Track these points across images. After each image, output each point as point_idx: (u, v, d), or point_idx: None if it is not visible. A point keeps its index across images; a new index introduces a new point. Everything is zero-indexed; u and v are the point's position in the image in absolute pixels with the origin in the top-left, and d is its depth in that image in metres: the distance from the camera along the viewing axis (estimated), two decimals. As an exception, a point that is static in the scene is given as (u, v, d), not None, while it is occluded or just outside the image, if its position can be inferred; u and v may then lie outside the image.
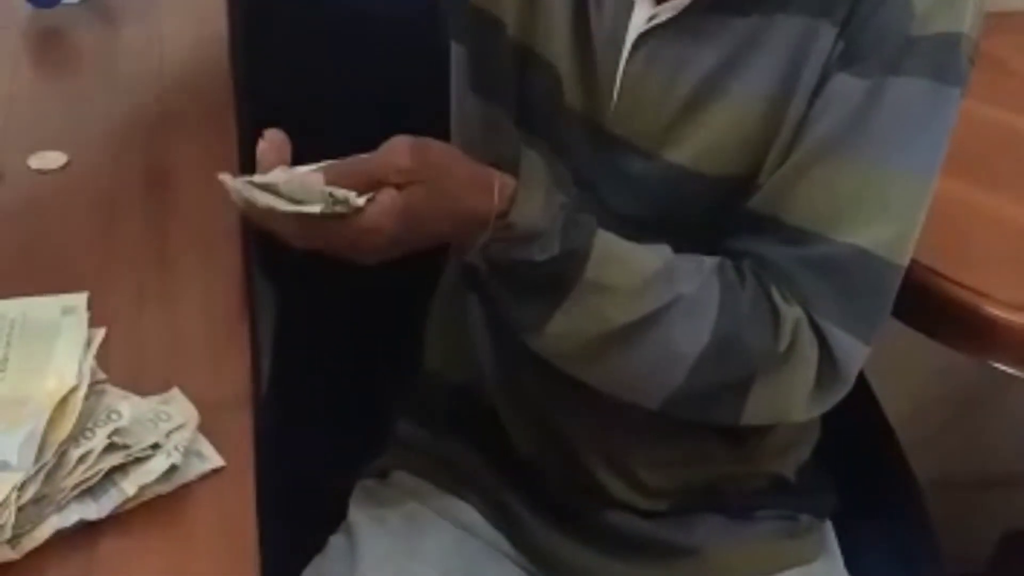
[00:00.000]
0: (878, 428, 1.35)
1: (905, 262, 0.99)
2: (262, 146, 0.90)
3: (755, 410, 0.99)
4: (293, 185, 0.87)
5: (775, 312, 0.97)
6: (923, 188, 0.98)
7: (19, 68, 1.34)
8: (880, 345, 1.30)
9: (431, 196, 0.90)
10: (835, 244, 0.96)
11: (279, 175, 0.88)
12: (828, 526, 1.21)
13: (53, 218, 1.09)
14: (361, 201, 0.86)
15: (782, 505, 1.17)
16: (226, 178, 0.89)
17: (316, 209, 0.85)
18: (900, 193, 0.97)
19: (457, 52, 1.12)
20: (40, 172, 1.14)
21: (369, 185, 0.89)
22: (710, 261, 0.98)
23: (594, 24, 1.02)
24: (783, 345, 0.97)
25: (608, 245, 0.96)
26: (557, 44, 1.03)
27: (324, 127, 1.29)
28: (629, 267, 0.96)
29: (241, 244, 1.07)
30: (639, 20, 0.99)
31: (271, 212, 0.88)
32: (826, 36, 0.96)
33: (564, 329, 0.96)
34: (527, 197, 0.94)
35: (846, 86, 0.96)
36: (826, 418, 1.19)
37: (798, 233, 0.97)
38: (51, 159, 1.16)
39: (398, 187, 0.89)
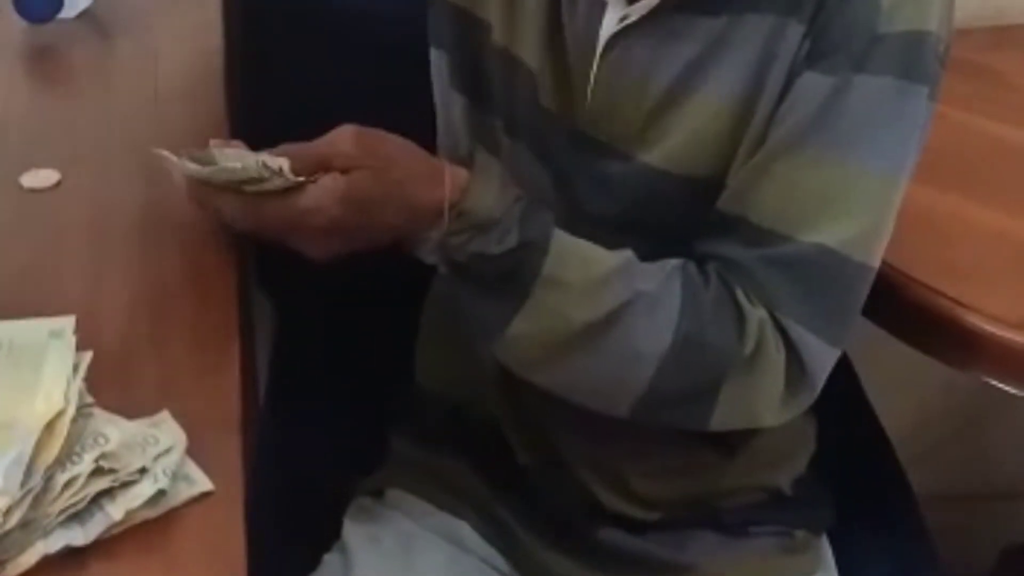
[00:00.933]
0: (876, 441, 1.35)
1: (873, 262, 0.98)
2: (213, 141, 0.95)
3: (725, 414, 0.98)
4: (228, 155, 0.91)
5: (739, 313, 0.96)
6: (890, 187, 0.97)
7: (13, 84, 1.33)
8: (882, 359, 1.30)
9: (377, 183, 0.92)
10: (800, 244, 0.96)
11: (215, 150, 0.92)
12: (824, 541, 1.21)
13: (44, 238, 1.09)
14: (297, 179, 0.89)
15: (777, 520, 1.16)
16: (164, 153, 0.91)
17: (247, 175, 0.88)
18: (866, 191, 0.96)
19: (437, 56, 1.12)
20: (32, 191, 1.14)
21: (313, 169, 0.91)
22: (672, 262, 0.98)
23: (567, 26, 1.02)
24: (749, 347, 0.96)
25: (565, 240, 0.96)
26: (533, 46, 1.04)
27: (319, 122, 1.30)
28: (588, 263, 0.96)
29: (235, 263, 1.06)
30: (610, 21, 0.99)
31: (211, 188, 0.92)
32: (793, 34, 0.95)
33: (525, 331, 0.96)
34: (481, 187, 0.95)
35: (812, 83, 0.95)
36: (822, 431, 1.19)
37: (763, 233, 0.96)
38: (44, 177, 1.15)
39: (343, 172, 0.91)
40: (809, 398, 1.01)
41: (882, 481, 1.31)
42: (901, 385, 1.51)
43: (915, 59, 0.95)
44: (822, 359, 0.98)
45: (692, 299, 0.96)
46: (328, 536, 1.19)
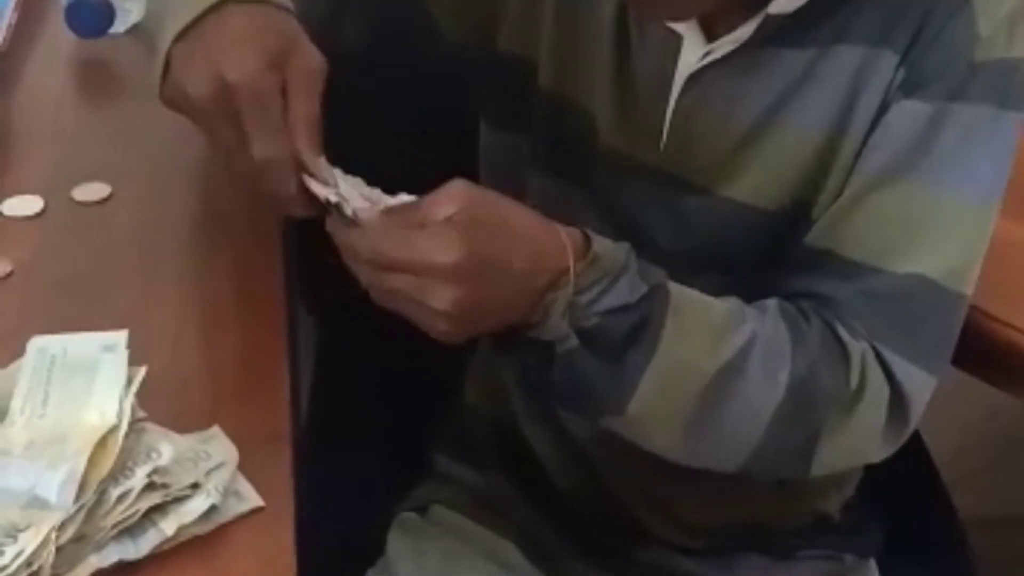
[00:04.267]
0: (922, 467, 1.34)
1: (968, 291, 0.97)
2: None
3: (827, 456, 0.96)
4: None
5: (843, 349, 0.94)
6: (984, 216, 0.96)
7: (65, 97, 1.34)
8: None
9: (495, 233, 0.87)
10: (895, 275, 0.94)
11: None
12: (873, 565, 1.20)
13: (95, 252, 1.09)
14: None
15: (826, 544, 1.16)
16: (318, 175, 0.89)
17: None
18: (962, 220, 0.95)
19: (499, 138, 1.12)
20: (83, 204, 1.15)
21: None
22: (770, 302, 0.96)
23: (637, 63, 1.01)
24: (854, 383, 0.94)
25: (679, 287, 0.93)
26: (595, 86, 1.02)
27: (362, 157, 1.30)
28: (706, 308, 0.94)
29: (283, 280, 1.06)
30: (691, 57, 0.98)
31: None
32: (886, 65, 0.95)
33: (654, 389, 0.91)
34: (597, 237, 0.91)
35: (907, 113, 0.94)
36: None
37: (856, 267, 0.95)
38: (95, 191, 1.16)
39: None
40: (909, 429, 0.99)
41: (928, 506, 1.30)
42: (945, 409, 1.49)
43: (1010, 86, 0.95)
44: (923, 389, 0.97)
45: (801, 339, 0.94)
46: (372, 552, 1.19)
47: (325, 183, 0.90)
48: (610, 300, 0.88)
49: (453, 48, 1.10)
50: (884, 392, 0.95)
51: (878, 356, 0.95)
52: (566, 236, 0.88)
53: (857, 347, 0.94)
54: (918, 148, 0.94)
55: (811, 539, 1.15)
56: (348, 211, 0.88)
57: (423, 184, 0.90)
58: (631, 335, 0.89)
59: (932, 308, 0.95)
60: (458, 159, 1.08)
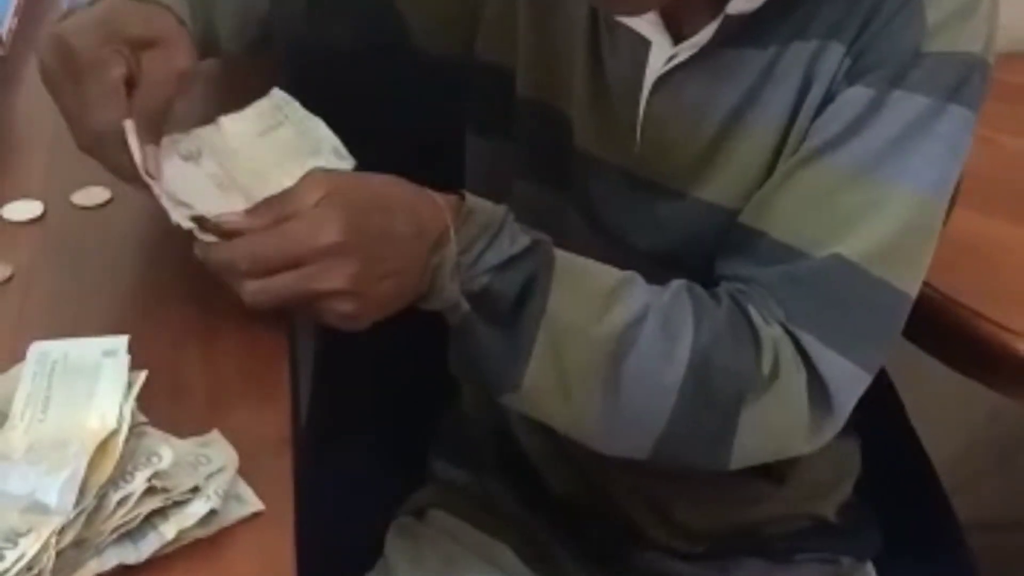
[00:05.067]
0: (921, 469, 1.34)
1: (901, 284, 0.94)
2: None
3: (747, 446, 0.94)
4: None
5: (754, 332, 0.93)
6: (922, 207, 0.94)
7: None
8: (927, 386, 1.30)
9: (368, 199, 0.88)
10: (816, 259, 0.93)
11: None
12: (870, 568, 1.20)
13: (95, 256, 1.09)
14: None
15: (823, 547, 1.16)
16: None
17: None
18: (888, 206, 0.93)
19: (483, 145, 1.13)
20: (83, 208, 1.15)
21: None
22: (678, 281, 0.95)
23: (609, 67, 1.01)
24: (766, 368, 0.92)
25: (565, 252, 0.94)
26: (571, 91, 1.02)
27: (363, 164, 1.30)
28: (594, 272, 0.94)
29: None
30: (657, 61, 0.98)
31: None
32: (834, 55, 0.94)
33: (549, 358, 0.91)
34: (473, 197, 0.93)
35: (848, 98, 0.94)
36: (868, 458, 1.18)
37: (780, 248, 0.94)
38: (95, 195, 1.16)
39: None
40: (836, 422, 0.96)
41: (927, 509, 1.30)
42: (946, 413, 1.50)
43: (959, 80, 0.94)
44: (845, 378, 0.94)
45: (706, 317, 0.93)
46: (370, 556, 1.19)
47: (151, 176, 0.92)
48: (493, 255, 0.90)
49: (431, 58, 1.11)
50: (801, 379, 0.93)
51: (796, 343, 0.93)
52: (441, 199, 0.90)
53: (769, 332, 0.93)
54: (852, 130, 0.93)
55: (808, 542, 1.15)
56: (203, 234, 0.89)
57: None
58: (520, 298, 0.90)
59: (849, 291, 0.93)
60: (444, 166, 1.09)
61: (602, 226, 1.04)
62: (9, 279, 1.06)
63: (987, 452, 1.83)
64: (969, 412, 1.71)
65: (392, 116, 1.32)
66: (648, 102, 0.99)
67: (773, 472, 1.09)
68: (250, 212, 0.89)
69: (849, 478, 1.18)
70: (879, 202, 0.93)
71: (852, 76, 0.94)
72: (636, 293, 0.93)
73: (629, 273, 0.94)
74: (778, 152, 0.97)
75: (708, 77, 0.98)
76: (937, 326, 1.15)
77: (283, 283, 0.86)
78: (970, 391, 1.24)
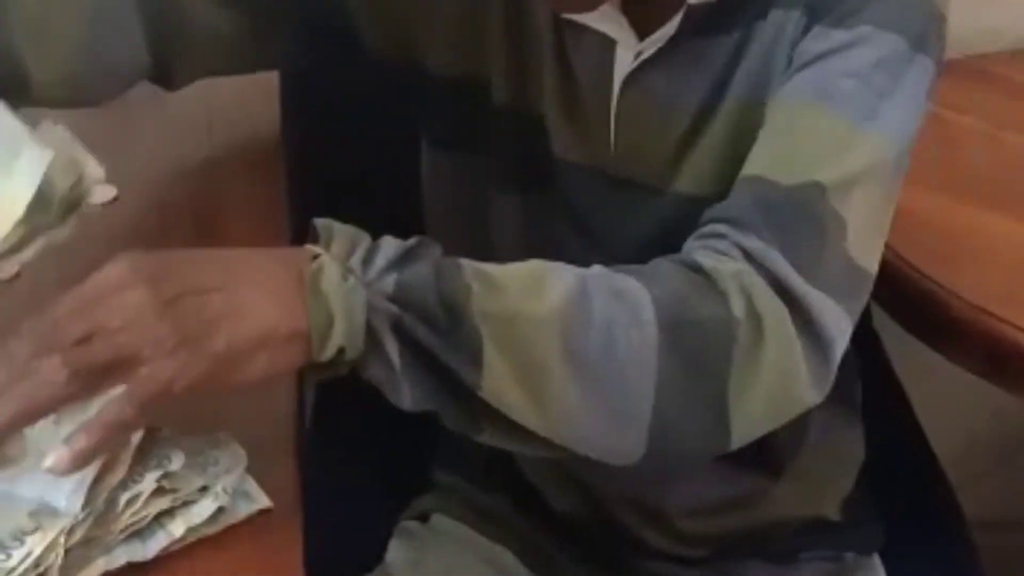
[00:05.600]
0: (926, 464, 1.34)
1: (851, 218, 0.87)
2: None
3: (746, 410, 0.83)
4: None
5: (707, 276, 0.83)
6: (886, 157, 0.89)
7: (68, 112, 1.34)
8: (932, 383, 1.30)
9: (180, 254, 0.77)
10: (792, 186, 0.87)
11: None
12: (876, 561, 1.20)
13: (100, 254, 1.09)
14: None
15: (826, 544, 1.16)
16: None
17: None
18: (862, 151, 0.88)
19: (454, 157, 1.07)
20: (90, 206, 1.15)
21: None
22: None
23: (577, 69, 0.99)
24: (739, 310, 0.82)
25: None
26: (544, 96, 1.01)
27: (369, 167, 1.30)
28: (504, 265, 0.83)
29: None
30: (624, 59, 0.97)
31: None
32: (793, 21, 0.92)
33: (502, 349, 0.78)
34: (320, 220, 0.81)
35: (808, 40, 0.91)
36: (874, 453, 1.18)
37: (753, 182, 0.88)
38: (101, 192, 1.16)
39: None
40: (831, 362, 0.86)
41: (933, 504, 1.30)
42: (951, 411, 1.50)
43: (920, 25, 0.91)
44: (826, 311, 0.84)
45: (650, 276, 0.83)
46: (373, 559, 1.19)
47: None
48: (384, 253, 0.78)
49: (381, 66, 1.05)
50: (784, 315, 0.83)
51: (769, 273, 0.83)
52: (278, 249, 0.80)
53: (725, 269, 0.83)
54: (820, 71, 0.90)
55: (812, 540, 1.15)
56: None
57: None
58: (440, 289, 0.78)
59: (807, 214, 0.86)
60: (401, 176, 1.08)
61: (587, 230, 1.02)
62: (15, 277, 1.05)
63: (989, 451, 1.83)
64: (972, 410, 1.71)
65: (348, 125, 1.30)
66: (619, 101, 0.98)
67: (771, 463, 1.09)
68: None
69: (850, 473, 1.17)
70: (848, 141, 0.89)
71: (808, 25, 0.92)
72: (560, 271, 0.82)
73: (542, 260, 0.83)
74: (750, 128, 0.92)
75: (676, 70, 0.96)
76: (941, 322, 1.15)
77: (88, 349, 0.74)
78: (974, 389, 1.24)
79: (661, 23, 0.94)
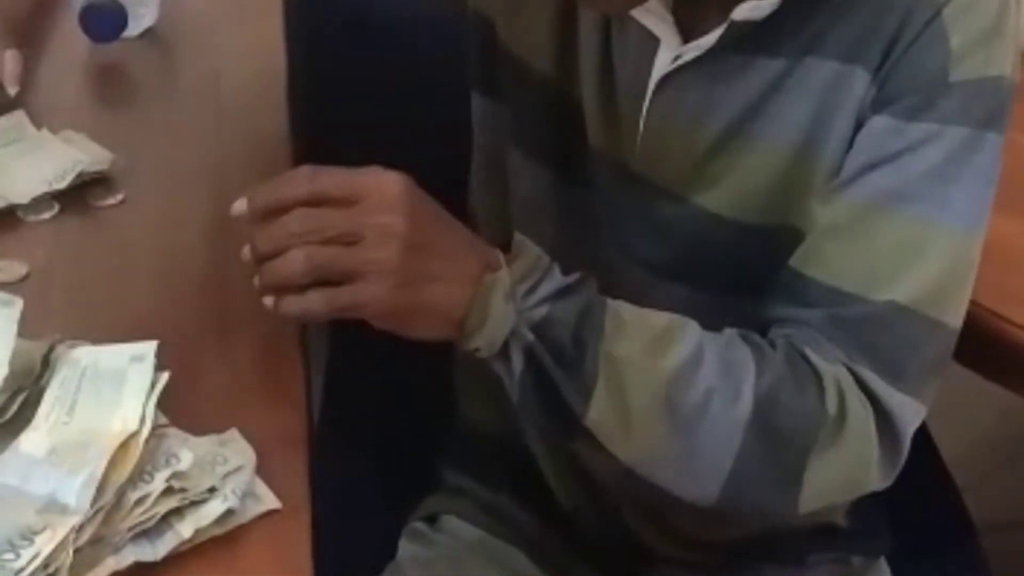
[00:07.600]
0: (933, 468, 1.34)
1: (947, 319, 0.94)
2: None
3: (817, 487, 0.92)
4: None
5: (813, 370, 0.91)
6: (964, 241, 0.93)
7: (79, 101, 1.35)
8: (940, 386, 1.29)
9: (433, 202, 0.87)
10: (869, 302, 0.92)
11: None
12: (883, 564, 1.19)
13: (110, 255, 1.10)
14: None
15: (834, 548, 1.16)
16: None
17: None
18: (940, 246, 0.92)
19: (483, 104, 1.11)
20: (98, 208, 1.15)
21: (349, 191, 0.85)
22: (728, 330, 0.94)
23: (618, 63, 1.00)
24: (832, 407, 0.91)
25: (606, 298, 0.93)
26: (585, 84, 1.01)
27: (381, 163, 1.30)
28: (643, 313, 0.93)
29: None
30: (664, 60, 0.97)
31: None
32: (860, 82, 0.92)
33: (611, 389, 0.89)
34: (518, 235, 0.92)
35: (879, 128, 0.92)
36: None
37: (831, 293, 0.93)
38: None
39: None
40: (901, 458, 0.95)
41: (940, 508, 1.30)
42: (957, 412, 1.49)
43: (989, 106, 0.92)
44: (909, 413, 0.93)
45: (764, 358, 0.91)
46: (382, 560, 1.19)
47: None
48: (548, 285, 0.89)
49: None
50: (869, 417, 0.92)
51: (858, 380, 0.92)
52: (488, 244, 0.90)
53: (830, 370, 0.92)
54: (891, 170, 0.92)
55: (820, 544, 1.15)
56: None
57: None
58: (577, 327, 0.89)
59: (909, 334, 0.92)
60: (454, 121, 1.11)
61: (595, 224, 1.03)
62: (25, 278, 1.06)
63: (996, 452, 1.83)
64: (980, 412, 1.71)
65: (358, 125, 1.32)
66: (651, 101, 0.98)
67: None
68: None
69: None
70: (925, 241, 0.92)
71: (878, 104, 0.92)
72: (690, 333, 0.91)
73: (678, 316, 0.93)
74: (793, 173, 0.95)
75: (713, 81, 0.96)
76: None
77: (332, 252, 0.84)
78: (981, 390, 1.24)
79: (705, 32, 0.94)
